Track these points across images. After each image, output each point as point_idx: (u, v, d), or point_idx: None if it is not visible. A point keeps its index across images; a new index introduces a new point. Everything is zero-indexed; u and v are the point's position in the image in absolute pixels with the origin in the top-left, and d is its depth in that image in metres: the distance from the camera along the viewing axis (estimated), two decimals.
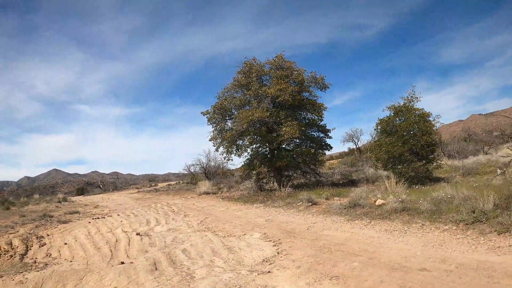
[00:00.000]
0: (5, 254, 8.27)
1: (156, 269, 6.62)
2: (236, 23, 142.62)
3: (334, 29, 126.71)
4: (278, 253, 7.15)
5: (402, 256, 6.06)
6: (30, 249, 9.12)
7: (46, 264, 7.42)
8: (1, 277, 6.55)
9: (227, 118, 20.39)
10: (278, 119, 18.17)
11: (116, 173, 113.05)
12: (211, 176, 33.70)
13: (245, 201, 16.72)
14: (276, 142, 18.25)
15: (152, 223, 12.35)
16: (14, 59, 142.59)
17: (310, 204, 12.48)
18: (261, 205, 14.67)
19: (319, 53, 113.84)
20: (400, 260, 5.89)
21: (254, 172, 19.77)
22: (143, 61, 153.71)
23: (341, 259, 6.24)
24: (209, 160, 35.77)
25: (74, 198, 35.42)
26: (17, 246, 9.10)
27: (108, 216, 15.48)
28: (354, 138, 42.24)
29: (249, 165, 19.77)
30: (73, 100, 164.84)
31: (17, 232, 11.42)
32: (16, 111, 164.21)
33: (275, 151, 19.23)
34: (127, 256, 7.86)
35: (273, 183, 21.04)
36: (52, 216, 15.61)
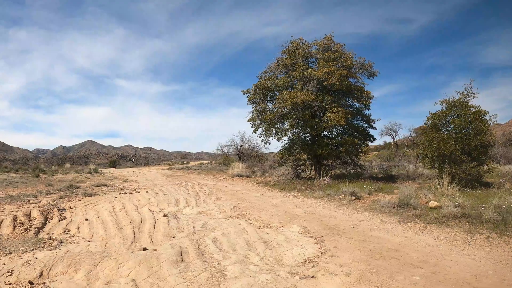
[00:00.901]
0: (20, 226, 7.73)
1: (182, 260, 5.84)
2: (281, 9, 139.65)
3: (379, 22, 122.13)
4: (321, 253, 6.31)
5: (472, 274, 5.07)
6: (49, 222, 8.60)
7: (61, 242, 6.81)
8: (10, 253, 5.95)
9: (268, 99, 19.55)
10: (323, 104, 17.26)
11: (149, 148, 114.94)
12: (244, 158, 33.03)
13: (281, 188, 15.86)
14: (319, 129, 17.27)
15: (181, 204, 11.69)
16: (57, 32, 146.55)
17: (354, 198, 11.54)
18: (299, 194, 13.80)
19: (362, 44, 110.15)
20: (470, 279, 4.92)
21: (291, 158, 19.03)
22: (185, 41, 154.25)
23: (398, 270, 5.31)
24: (244, 142, 35.08)
25: (105, 170, 35.73)
26: (35, 218, 8.59)
27: (136, 192, 15.01)
28: (392, 132, 40.30)
29: (288, 150, 18.94)
30: (112, 74, 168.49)
31: (39, 202, 11.03)
32: (55, 82, 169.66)
33: (316, 138, 18.34)
34: (151, 241, 7.14)
35: (310, 171, 20.38)
36: (78, 188, 15.31)
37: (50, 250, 6.21)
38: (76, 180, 19.49)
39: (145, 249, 6.39)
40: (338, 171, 20.29)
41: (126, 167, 48.73)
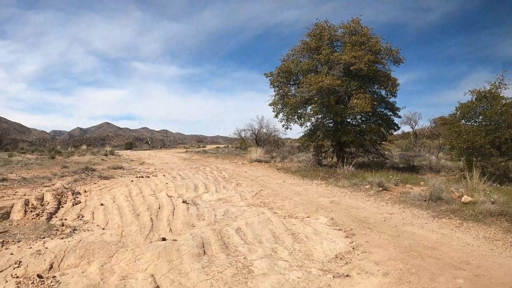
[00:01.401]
0: (31, 211, 7.37)
1: (204, 253, 5.39)
2: None
3: (399, 9, 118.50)
4: (353, 248, 5.86)
5: None
6: (62, 206, 8.26)
7: (74, 230, 6.41)
8: (19, 241, 5.56)
9: (291, 83, 19.03)
10: (349, 89, 16.63)
11: (165, 131, 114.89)
12: (261, 143, 32.55)
13: (303, 175, 15.36)
14: (344, 115, 16.71)
15: (200, 190, 11.28)
16: (74, 15, 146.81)
17: (381, 189, 10.97)
18: (322, 182, 13.28)
19: (382, 32, 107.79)
20: None
21: (313, 144, 18.67)
22: (203, 24, 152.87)
23: (438, 271, 4.88)
24: (261, 127, 34.54)
25: (121, 152, 35.65)
26: (48, 203, 8.24)
27: (153, 175, 14.66)
28: (411, 121, 39.15)
29: (310, 136, 18.41)
30: (129, 57, 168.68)
31: (53, 185, 10.71)
32: (73, 64, 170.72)
33: (339, 125, 17.85)
34: (170, 229, 6.71)
35: (332, 158, 20.00)
36: (94, 170, 15.03)
37: (62, 238, 5.81)
38: (92, 162, 19.29)
39: (164, 239, 5.96)
40: (360, 160, 19.75)
41: (142, 150, 48.78)
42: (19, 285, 4.17)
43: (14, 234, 5.92)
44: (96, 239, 5.82)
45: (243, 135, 38.04)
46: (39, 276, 4.38)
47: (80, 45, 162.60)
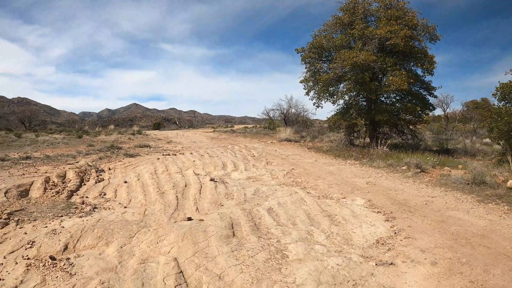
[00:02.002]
0: (51, 189, 7.08)
1: (233, 235, 4.94)
2: None
3: None
4: (395, 233, 5.35)
5: None
6: (84, 184, 7.96)
7: (95, 208, 6.06)
8: (35, 220, 5.23)
9: (323, 59, 18.39)
10: (384, 66, 15.86)
11: (193, 112, 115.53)
12: (290, 123, 32.09)
13: (335, 154, 14.72)
14: (379, 93, 16.04)
15: (229, 168, 10.83)
16: None
17: (419, 171, 10.26)
18: (356, 162, 12.67)
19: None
20: None
21: (344, 123, 17.89)
22: (231, 5, 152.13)
23: (491, 261, 4.34)
24: (290, 107, 34.05)
25: (149, 132, 35.71)
26: (70, 180, 7.96)
27: (180, 153, 14.30)
28: (443, 104, 37.75)
29: (343, 115, 17.67)
30: (156, 38, 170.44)
31: (77, 163, 10.45)
32: (101, 47, 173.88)
33: (373, 103, 17.18)
34: (197, 209, 6.29)
35: (364, 139, 19.39)
36: (120, 148, 14.81)
37: (81, 217, 5.46)
38: (118, 141, 19.17)
39: (189, 219, 5.54)
40: (393, 141, 19.02)
41: (170, 130, 48.86)
42: (29, 267, 3.80)
43: (31, 212, 5.61)
44: (117, 218, 5.46)
45: (271, 115, 37.69)
46: (52, 258, 4.02)
47: (107, 27, 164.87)
